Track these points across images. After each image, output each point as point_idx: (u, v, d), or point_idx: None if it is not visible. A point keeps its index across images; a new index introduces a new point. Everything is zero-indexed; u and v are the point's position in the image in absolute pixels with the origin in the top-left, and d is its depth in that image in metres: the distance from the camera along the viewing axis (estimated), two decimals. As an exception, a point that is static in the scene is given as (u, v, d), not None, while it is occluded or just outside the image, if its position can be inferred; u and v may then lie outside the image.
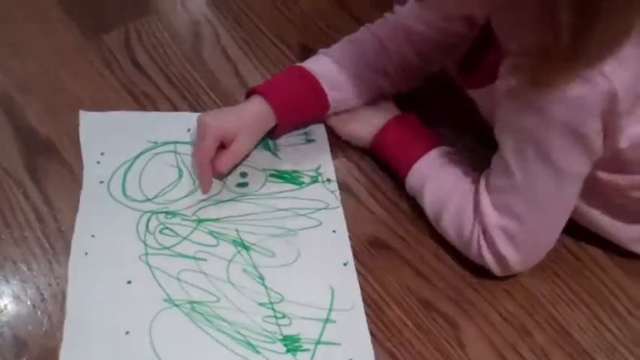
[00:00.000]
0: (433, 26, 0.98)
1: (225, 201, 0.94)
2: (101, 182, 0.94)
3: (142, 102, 1.03)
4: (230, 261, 0.89)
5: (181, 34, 1.13)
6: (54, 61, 1.07)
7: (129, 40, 1.11)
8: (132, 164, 0.96)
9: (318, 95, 0.97)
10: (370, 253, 0.91)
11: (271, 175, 0.98)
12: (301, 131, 1.02)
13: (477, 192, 0.87)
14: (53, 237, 0.89)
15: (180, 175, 0.96)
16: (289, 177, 0.98)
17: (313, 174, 0.98)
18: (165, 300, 0.85)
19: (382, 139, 0.97)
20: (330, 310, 0.86)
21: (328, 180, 0.98)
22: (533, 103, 0.77)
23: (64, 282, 0.85)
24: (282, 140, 1.01)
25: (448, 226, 0.89)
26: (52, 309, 0.84)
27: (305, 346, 0.83)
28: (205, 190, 0.94)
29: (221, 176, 0.95)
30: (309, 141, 1.02)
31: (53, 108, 1.01)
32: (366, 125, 0.99)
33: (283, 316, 0.85)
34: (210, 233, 0.91)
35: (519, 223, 0.84)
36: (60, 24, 1.12)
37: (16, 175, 0.94)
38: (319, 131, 1.02)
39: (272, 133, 0.99)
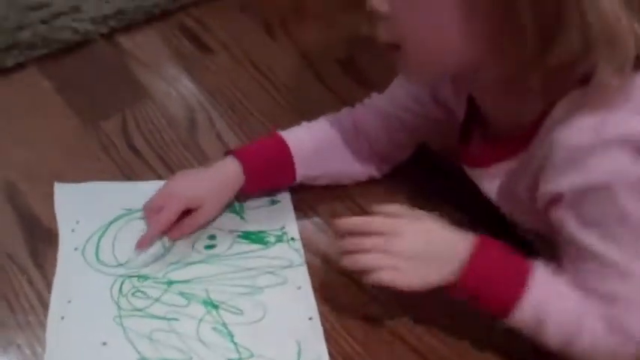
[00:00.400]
0: (410, 112, 1.02)
1: (195, 263, 0.98)
2: (75, 249, 0.98)
3: (140, 186, 1.07)
4: (200, 320, 0.92)
5: (177, 120, 1.17)
6: (54, 148, 1.11)
7: (126, 127, 1.15)
8: (105, 231, 1.00)
9: (287, 168, 1.02)
10: (364, 329, 0.93)
11: (238, 237, 1.02)
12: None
13: (609, 320, 0.79)
14: (56, 321, 0.91)
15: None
16: (255, 237, 1.02)
17: (278, 233, 1.03)
18: (138, 359, 0.88)
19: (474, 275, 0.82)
20: None
21: (292, 239, 1.02)
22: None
23: (68, 366, 0.88)
24: (248, 202, 1.05)
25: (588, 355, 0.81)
26: (57, 393, 0.86)
27: None
28: (141, 246, 0.97)
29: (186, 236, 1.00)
30: (274, 202, 1.07)
31: (53, 196, 1.04)
32: (439, 265, 0.83)
33: None
34: (181, 294, 0.95)
35: None
36: (60, 113, 1.16)
37: (20, 262, 0.97)
38: (283, 193, 1.07)
39: (238, 196, 1.03)
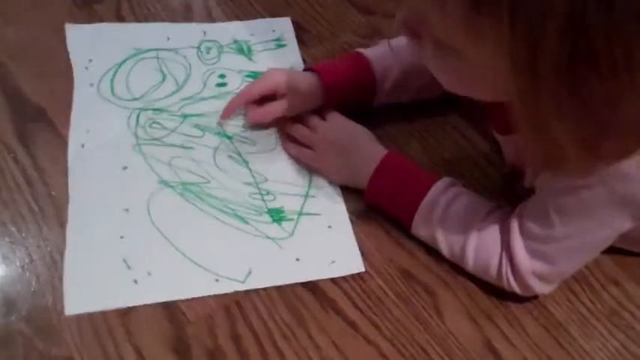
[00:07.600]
0: None
1: (207, 98, 1.02)
2: (91, 85, 1.02)
3: (133, 71, 1.05)
4: (216, 149, 0.98)
5: (173, 6, 1.14)
6: (46, 30, 1.09)
7: (120, 11, 1.12)
8: (118, 68, 1.04)
9: (369, 95, 0.99)
10: (352, 223, 0.92)
11: (247, 76, 1.06)
12: (274, 36, 1.11)
13: (508, 234, 0.85)
14: (42, 200, 0.91)
15: (164, 78, 1.04)
16: None
17: None
18: (159, 182, 0.93)
19: (378, 180, 0.91)
20: (309, 187, 0.96)
21: None
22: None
23: (53, 244, 0.87)
24: (256, 45, 1.10)
25: (471, 266, 0.87)
26: (41, 270, 0.85)
27: (289, 217, 0.93)
28: (224, 115, 0.99)
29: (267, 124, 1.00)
30: (281, 46, 1.10)
31: (44, 75, 1.03)
32: (355, 169, 0.93)
33: (267, 193, 0.94)
34: (196, 126, 0.99)
35: (552, 265, 0.83)
36: (53, -7, 1.13)
37: (6, 140, 0.96)
38: (290, 37, 1.11)
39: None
